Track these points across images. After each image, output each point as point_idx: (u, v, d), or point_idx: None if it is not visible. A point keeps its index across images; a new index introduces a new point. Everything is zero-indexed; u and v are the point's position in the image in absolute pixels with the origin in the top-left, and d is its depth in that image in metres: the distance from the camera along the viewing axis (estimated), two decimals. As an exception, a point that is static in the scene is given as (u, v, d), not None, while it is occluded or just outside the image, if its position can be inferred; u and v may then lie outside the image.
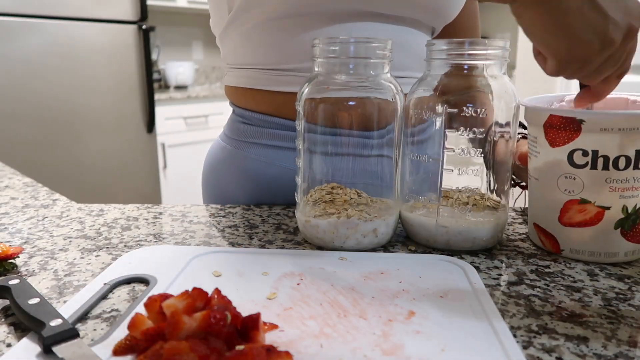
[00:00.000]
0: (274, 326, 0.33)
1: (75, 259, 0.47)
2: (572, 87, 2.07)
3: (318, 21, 0.59)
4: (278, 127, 0.64)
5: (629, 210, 0.44)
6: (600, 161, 0.43)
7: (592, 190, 0.44)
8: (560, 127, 0.44)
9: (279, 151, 0.64)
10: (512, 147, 0.49)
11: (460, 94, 0.47)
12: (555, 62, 0.42)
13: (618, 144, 0.42)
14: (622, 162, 0.43)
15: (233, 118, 0.70)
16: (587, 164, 0.43)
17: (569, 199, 0.45)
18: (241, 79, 0.66)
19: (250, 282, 0.40)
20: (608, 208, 0.44)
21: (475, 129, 0.46)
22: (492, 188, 0.50)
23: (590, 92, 0.48)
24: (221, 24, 0.66)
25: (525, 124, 0.51)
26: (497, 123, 0.47)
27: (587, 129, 0.43)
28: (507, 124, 0.48)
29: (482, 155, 0.47)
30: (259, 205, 0.65)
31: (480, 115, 0.46)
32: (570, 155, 0.44)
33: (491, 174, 0.49)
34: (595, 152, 0.43)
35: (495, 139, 0.47)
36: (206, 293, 0.31)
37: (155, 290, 0.39)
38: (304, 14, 0.58)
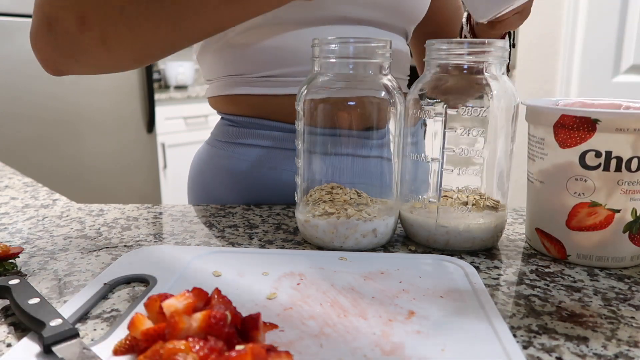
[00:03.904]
0: (274, 326, 0.33)
1: (75, 259, 0.47)
2: (571, 87, 2.07)
3: (283, 29, 0.60)
4: (261, 127, 0.65)
5: (638, 214, 0.43)
6: (613, 162, 0.42)
7: (603, 192, 0.43)
8: (573, 128, 0.43)
9: (263, 150, 0.65)
10: (512, 147, 0.49)
11: (459, 94, 0.47)
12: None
13: (632, 144, 0.41)
14: (634, 164, 0.42)
15: (220, 122, 0.72)
16: (599, 165, 0.42)
17: (579, 202, 0.44)
18: (218, 89, 0.68)
19: (250, 282, 0.40)
20: (618, 211, 0.43)
21: (475, 130, 0.46)
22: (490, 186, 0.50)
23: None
24: (197, 46, 0.69)
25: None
26: (496, 123, 0.47)
27: (602, 129, 0.42)
28: (507, 123, 0.48)
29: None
30: (259, 205, 0.65)
31: (480, 115, 0.46)
32: (582, 156, 0.43)
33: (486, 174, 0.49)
34: (608, 153, 0.42)
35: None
36: (206, 293, 0.31)
37: (155, 290, 0.39)
38: (271, 23, 0.60)
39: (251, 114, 0.66)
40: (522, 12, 0.59)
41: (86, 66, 0.52)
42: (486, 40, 0.47)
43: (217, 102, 0.70)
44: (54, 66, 0.53)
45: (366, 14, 0.61)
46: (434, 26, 0.76)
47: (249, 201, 0.67)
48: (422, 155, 0.49)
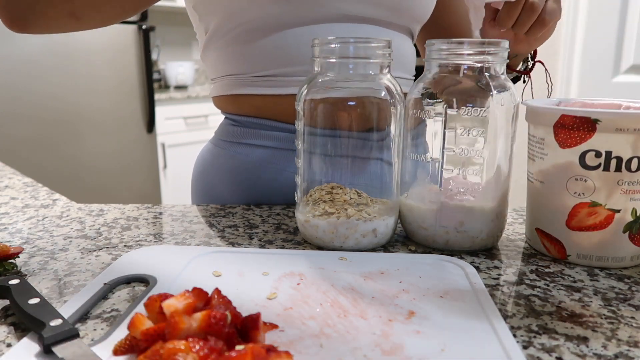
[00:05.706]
0: (274, 326, 0.33)
1: (75, 259, 0.47)
2: (571, 87, 2.07)
3: (283, 27, 0.61)
4: (264, 128, 0.66)
5: (638, 214, 0.43)
6: (613, 162, 0.42)
7: (603, 192, 0.43)
8: (573, 128, 0.43)
9: (266, 151, 0.65)
10: (512, 147, 0.49)
11: (459, 94, 0.47)
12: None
13: (632, 144, 0.41)
14: (634, 164, 0.42)
15: (224, 122, 0.72)
16: (599, 165, 0.42)
17: (579, 202, 0.44)
18: (221, 88, 0.69)
19: (250, 282, 0.40)
20: (618, 211, 0.43)
21: (475, 129, 0.46)
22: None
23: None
24: (201, 45, 0.69)
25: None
26: (496, 123, 0.47)
27: (602, 129, 0.41)
28: (507, 123, 0.48)
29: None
30: (259, 205, 0.65)
31: (480, 115, 0.46)
32: (582, 156, 0.43)
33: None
34: (608, 153, 0.42)
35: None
36: (206, 293, 0.31)
37: (155, 290, 0.39)
38: (272, 22, 0.60)
39: (254, 114, 0.66)
40: (540, 18, 0.58)
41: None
42: (486, 40, 0.47)
43: (220, 101, 0.70)
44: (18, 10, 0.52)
45: (368, 12, 0.61)
46: (441, 30, 0.76)
47: (252, 201, 0.67)
48: (423, 155, 0.49)
